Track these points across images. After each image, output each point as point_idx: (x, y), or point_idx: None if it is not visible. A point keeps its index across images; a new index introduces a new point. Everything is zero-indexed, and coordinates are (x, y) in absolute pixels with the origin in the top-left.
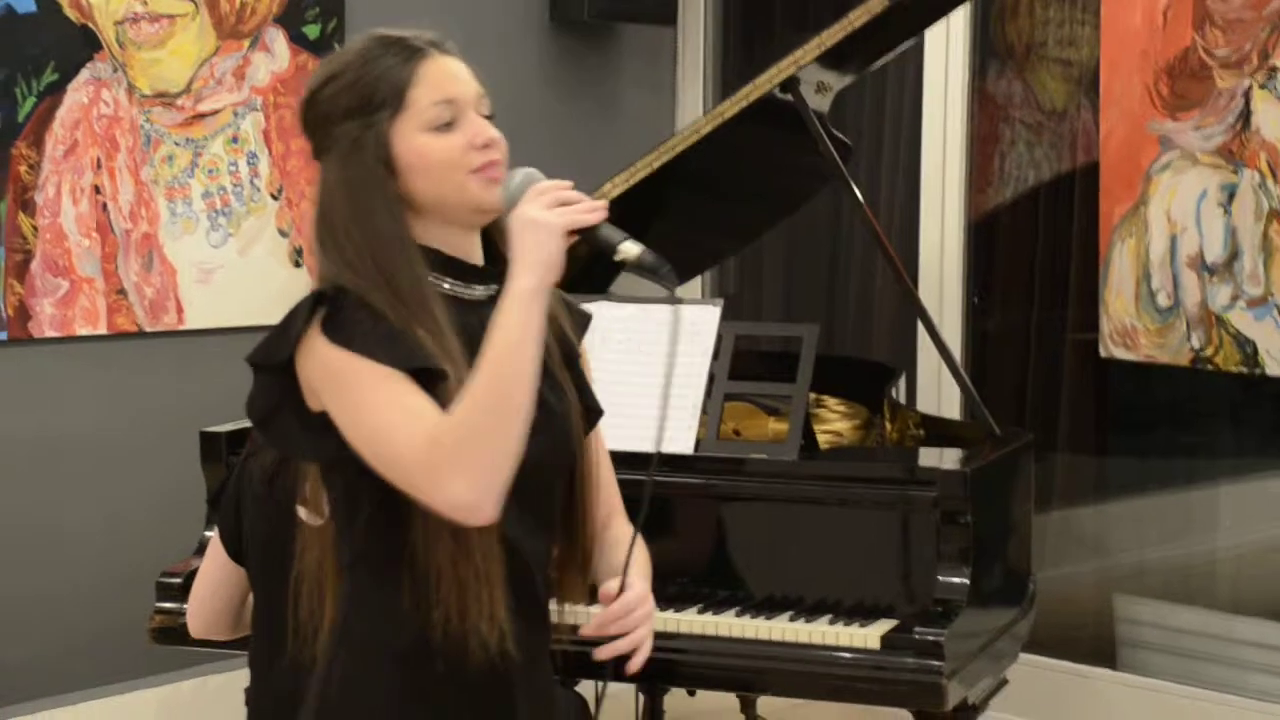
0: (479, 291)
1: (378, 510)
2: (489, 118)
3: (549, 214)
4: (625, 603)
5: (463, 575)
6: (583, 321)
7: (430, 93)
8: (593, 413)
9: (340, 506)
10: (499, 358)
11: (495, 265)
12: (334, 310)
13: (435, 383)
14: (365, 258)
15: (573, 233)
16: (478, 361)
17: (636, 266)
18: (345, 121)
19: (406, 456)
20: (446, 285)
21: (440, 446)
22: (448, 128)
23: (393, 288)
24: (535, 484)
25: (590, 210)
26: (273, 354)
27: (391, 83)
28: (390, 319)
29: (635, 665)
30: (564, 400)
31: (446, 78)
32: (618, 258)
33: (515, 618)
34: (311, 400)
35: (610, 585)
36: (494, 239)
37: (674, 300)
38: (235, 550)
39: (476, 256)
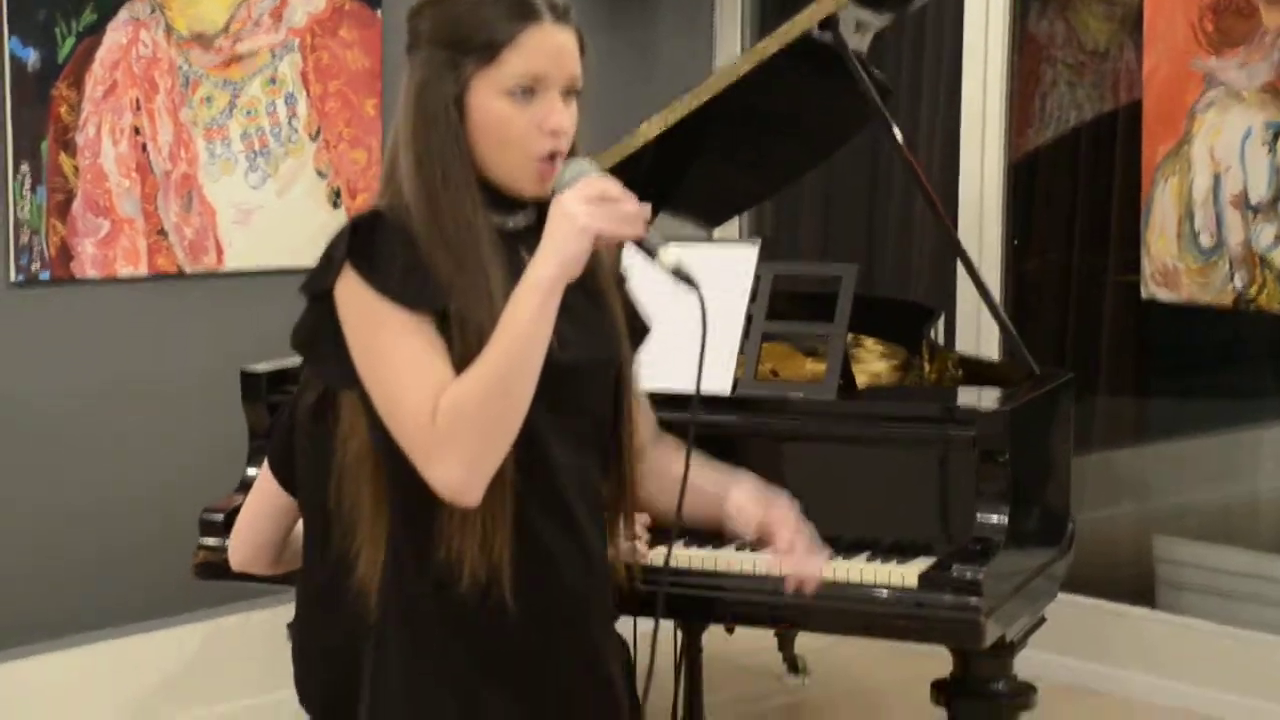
0: (519, 220)
1: None
2: (576, 92)
3: (584, 211)
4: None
5: (466, 511)
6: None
7: (522, 61)
8: (640, 330)
9: (378, 433)
10: (505, 347)
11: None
12: (366, 239)
13: (458, 322)
14: (416, 178)
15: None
16: (489, 342)
17: (674, 274)
18: (438, 48)
19: (406, 425)
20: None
21: (437, 425)
22: (525, 97)
23: (436, 214)
24: (575, 398)
25: (631, 221)
26: (317, 282)
27: (491, 34)
28: (423, 248)
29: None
30: (607, 317)
31: (545, 51)
32: (656, 262)
33: (547, 548)
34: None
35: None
36: None
37: (713, 241)
38: (286, 480)
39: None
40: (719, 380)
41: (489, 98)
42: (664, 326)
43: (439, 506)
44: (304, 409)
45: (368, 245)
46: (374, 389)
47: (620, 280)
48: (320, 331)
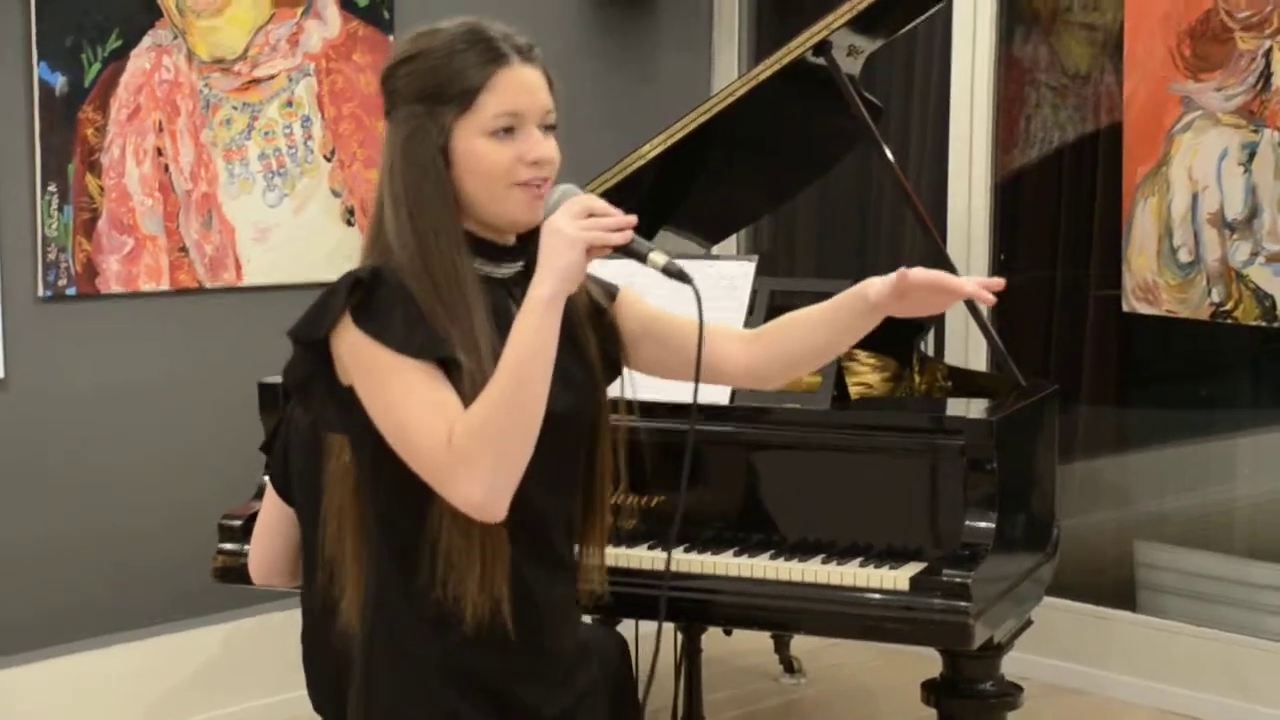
0: (507, 270)
1: (401, 481)
2: (552, 127)
3: (571, 226)
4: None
5: (466, 548)
6: (610, 292)
7: (499, 102)
8: (613, 366)
9: (367, 475)
10: (513, 365)
11: (524, 243)
12: (367, 295)
13: (456, 370)
14: (409, 232)
15: (602, 248)
16: (499, 364)
17: (664, 273)
18: (416, 104)
19: (424, 453)
20: (476, 264)
21: (454, 447)
22: (506, 135)
23: (428, 267)
24: (555, 444)
25: (617, 228)
26: (310, 330)
27: (465, 82)
28: (419, 302)
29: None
30: (582, 360)
31: (518, 89)
32: (647, 265)
33: (526, 581)
34: (342, 375)
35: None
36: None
37: (711, 257)
38: (284, 491)
39: (509, 242)
40: (718, 390)
41: (472, 141)
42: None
43: (435, 547)
44: (300, 421)
45: (368, 300)
46: (391, 431)
47: (598, 314)
48: (314, 376)
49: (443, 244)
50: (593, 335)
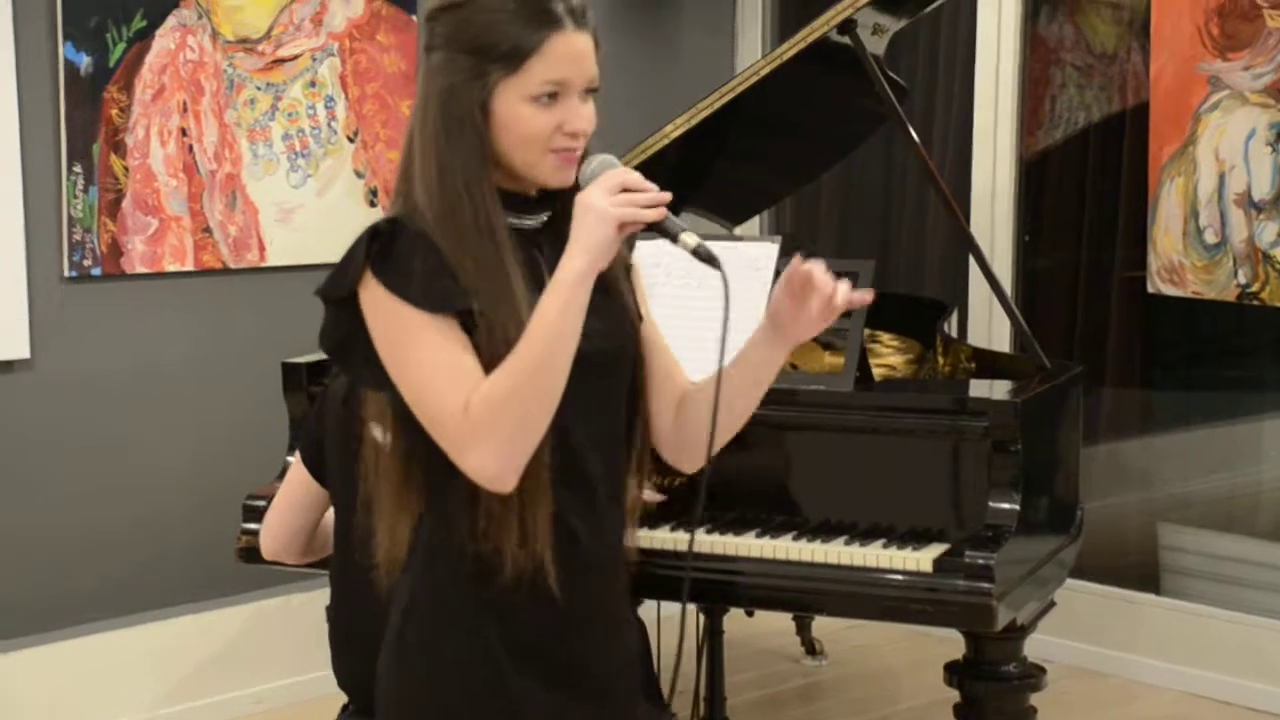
0: (533, 221)
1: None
2: (593, 91)
3: (605, 202)
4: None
5: (503, 501)
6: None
7: (546, 69)
8: (639, 318)
9: (404, 431)
10: (536, 338)
11: (549, 195)
12: (386, 247)
13: (479, 323)
14: (436, 184)
15: (634, 225)
16: (523, 336)
17: (693, 255)
18: (460, 54)
19: (440, 419)
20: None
21: (470, 416)
22: (549, 101)
23: (456, 220)
24: (598, 389)
25: (650, 204)
26: (337, 288)
27: (516, 42)
28: (444, 251)
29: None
30: (618, 306)
31: (568, 58)
32: (678, 245)
33: (571, 531)
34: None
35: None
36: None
37: (734, 238)
38: (316, 469)
39: (532, 193)
40: None
41: (513, 104)
42: (683, 317)
43: (475, 503)
44: (334, 396)
45: (387, 252)
46: (406, 389)
47: (627, 270)
48: (348, 335)
49: (475, 197)
50: (628, 285)
